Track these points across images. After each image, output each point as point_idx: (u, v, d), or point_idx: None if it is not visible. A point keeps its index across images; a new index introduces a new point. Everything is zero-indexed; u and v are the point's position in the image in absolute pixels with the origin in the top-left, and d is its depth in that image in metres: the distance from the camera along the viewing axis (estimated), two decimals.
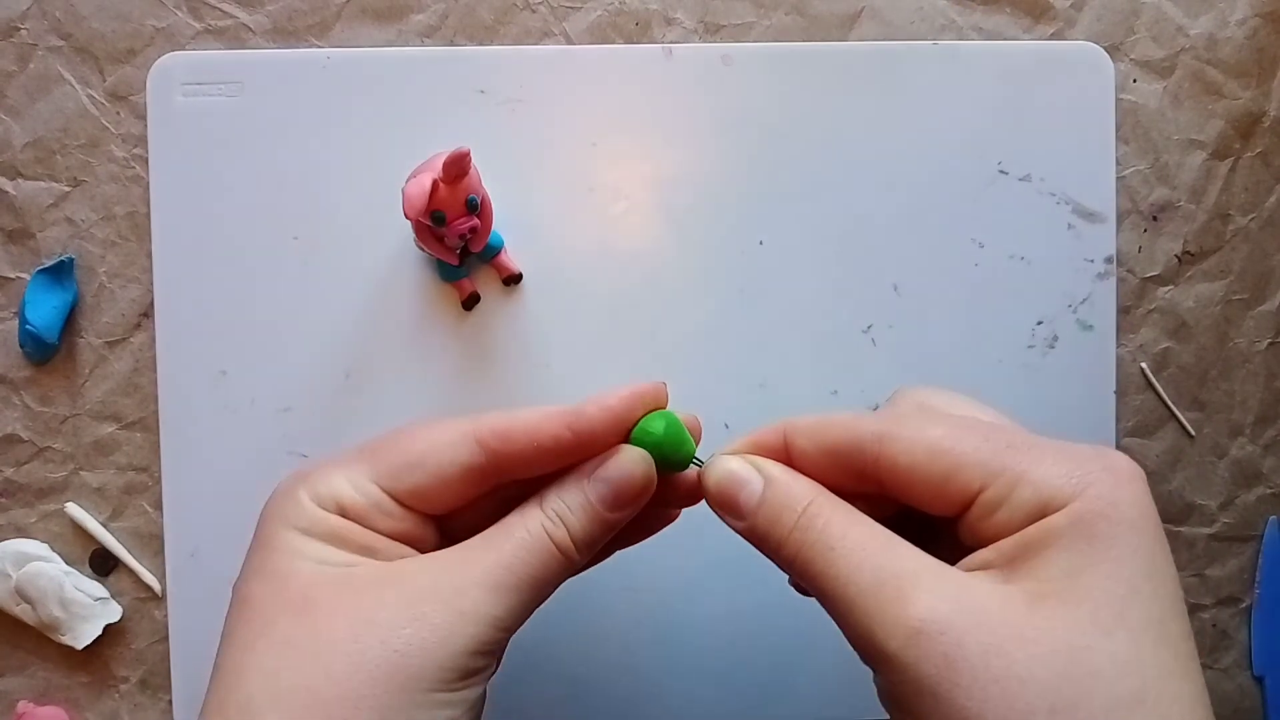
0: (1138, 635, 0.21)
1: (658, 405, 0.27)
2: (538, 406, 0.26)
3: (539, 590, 0.25)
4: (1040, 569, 0.21)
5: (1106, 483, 0.22)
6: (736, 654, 0.38)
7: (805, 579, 0.24)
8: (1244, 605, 0.40)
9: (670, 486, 0.28)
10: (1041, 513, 0.22)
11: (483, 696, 0.25)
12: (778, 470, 0.25)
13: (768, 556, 0.25)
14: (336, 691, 0.22)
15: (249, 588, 0.25)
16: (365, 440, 0.27)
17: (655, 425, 0.26)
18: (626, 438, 0.27)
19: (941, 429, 0.24)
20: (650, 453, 0.26)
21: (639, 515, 0.28)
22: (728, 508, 0.26)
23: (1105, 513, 0.21)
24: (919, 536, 0.24)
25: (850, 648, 0.24)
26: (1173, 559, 0.22)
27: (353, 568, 0.25)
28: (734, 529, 0.26)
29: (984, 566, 0.23)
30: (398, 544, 0.26)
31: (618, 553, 0.33)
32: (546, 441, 0.25)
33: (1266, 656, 0.40)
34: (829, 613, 0.24)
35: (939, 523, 0.24)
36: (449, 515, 0.27)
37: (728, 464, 0.26)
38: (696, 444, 0.28)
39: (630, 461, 0.26)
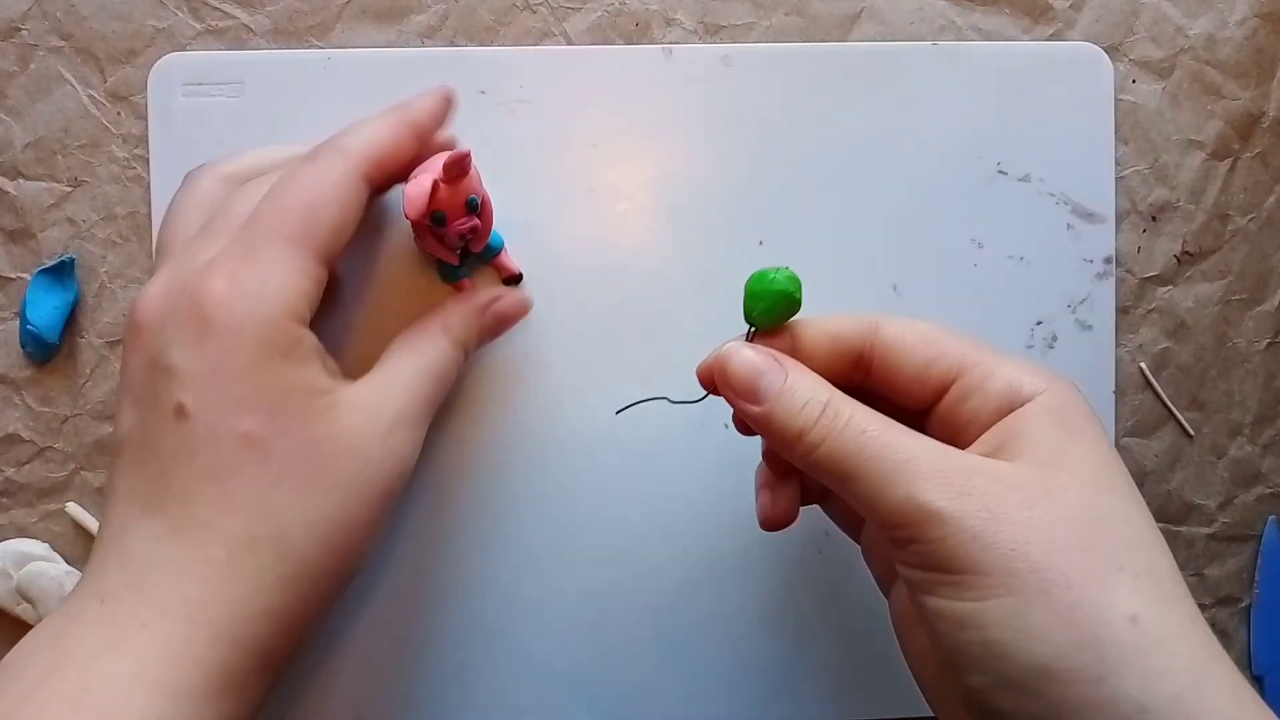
0: (1124, 496, 0.25)
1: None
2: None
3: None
4: (1028, 449, 0.25)
5: (1062, 384, 0.27)
6: (736, 654, 0.38)
7: (833, 462, 0.26)
8: (1243, 605, 0.40)
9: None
10: (1010, 403, 0.26)
11: None
12: (794, 362, 0.28)
13: (777, 445, 0.27)
14: (349, 520, 0.28)
15: (255, 427, 0.27)
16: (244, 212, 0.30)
17: (777, 277, 0.29)
18: None
19: (927, 325, 0.29)
20: (767, 292, 0.29)
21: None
22: (747, 393, 0.27)
23: (1070, 405, 0.26)
24: None
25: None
26: None
27: (332, 395, 0.29)
28: (747, 414, 0.27)
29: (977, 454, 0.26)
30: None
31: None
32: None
33: (1266, 656, 0.40)
34: (854, 495, 0.26)
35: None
36: None
37: (746, 352, 0.28)
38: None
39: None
